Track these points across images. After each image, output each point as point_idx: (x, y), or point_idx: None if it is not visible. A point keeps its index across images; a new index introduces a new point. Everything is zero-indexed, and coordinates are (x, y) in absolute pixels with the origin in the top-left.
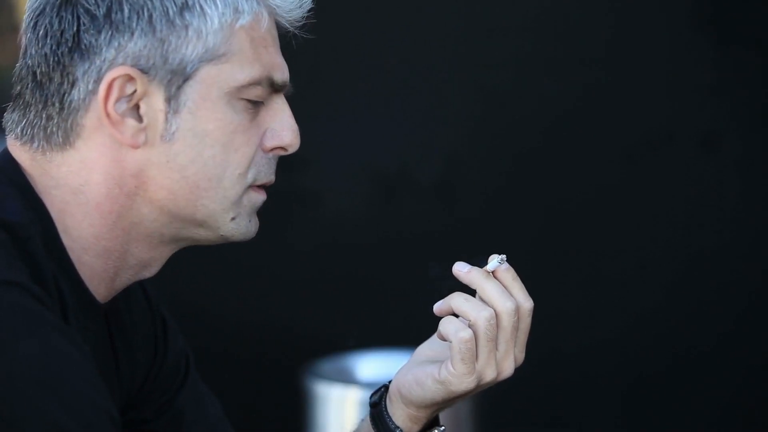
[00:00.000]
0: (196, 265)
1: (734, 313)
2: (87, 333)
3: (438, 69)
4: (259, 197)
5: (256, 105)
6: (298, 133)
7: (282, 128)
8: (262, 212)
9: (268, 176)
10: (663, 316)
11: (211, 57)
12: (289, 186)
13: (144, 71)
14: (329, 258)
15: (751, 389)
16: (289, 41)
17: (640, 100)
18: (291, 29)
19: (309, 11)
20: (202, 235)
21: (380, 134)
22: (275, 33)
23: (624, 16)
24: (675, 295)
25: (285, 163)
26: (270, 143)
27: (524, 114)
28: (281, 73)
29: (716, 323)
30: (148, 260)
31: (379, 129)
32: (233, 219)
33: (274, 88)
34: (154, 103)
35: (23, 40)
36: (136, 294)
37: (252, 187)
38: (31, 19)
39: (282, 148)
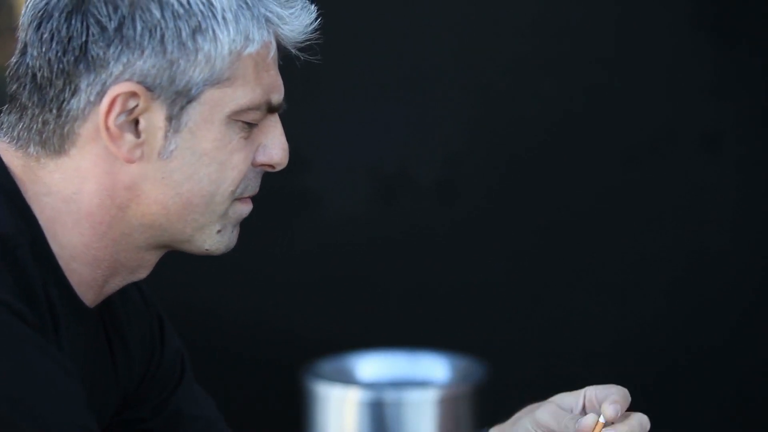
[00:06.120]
0: (196, 265)
1: (735, 314)
2: (78, 338)
3: (438, 69)
4: (245, 208)
5: (251, 125)
6: (288, 152)
7: (273, 146)
8: (263, 212)
9: (254, 189)
10: (664, 316)
11: (216, 81)
12: (289, 186)
13: (149, 89)
14: (329, 258)
15: (753, 390)
16: (292, 62)
17: (641, 100)
18: (294, 52)
19: (315, 32)
20: (186, 248)
21: (380, 134)
22: (277, 55)
23: (625, 16)
24: (676, 296)
25: (287, 165)
26: (260, 159)
27: (524, 114)
28: (279, 94)
29: (717, 324)
30: (136, 266)
31: (379, 129)
32: (219, 231)
33: (271, 109)
34: (155, 120)
35: (21, 36)
36: (132, 294)
37: (238, 198)
38: (35, 18)
39: (270, 165)
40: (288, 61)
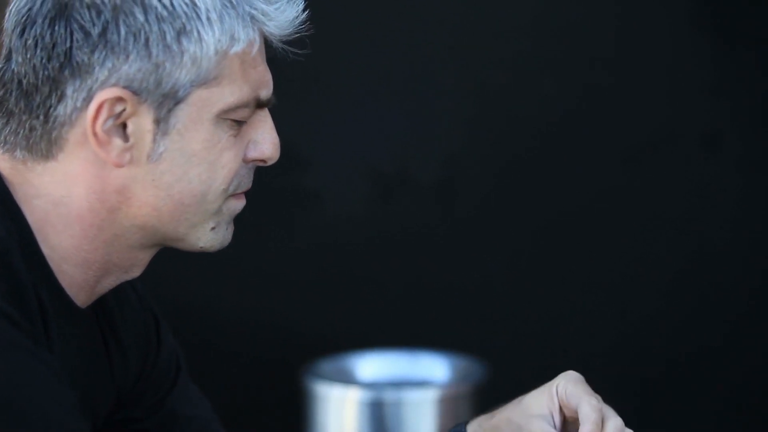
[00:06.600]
0: (195, 264)
1: (735, 314)
2: (71, 339)
3: (438, 69)
4: (239, 204)
5: (240, 122)
6: (279, 146)
7: (264, 141)
8: (262, 211)
9: (248, 185)
10: (663, 316)
11: (203, 81)
12: (288, 186)
13: (135, 93)
14: (328, 257)
15: (753, 390)
16: (291, 62)
17: (641, 100)
18: (281, 47)
19: (302, 26)
20: (180, 246)
21: (380, 134)
22: (264, 50)
23: (624, 16)
24: (675, 295)
25: (285, 163)
26: (251, 155)
27: (524, 114)
28: (267, 90)
29: (717, 323)
30: (130, 266)
31: (378, 129)
32: (213, 229)
33: (260, 105)
34: (143, 123)
35: (6, 41)
36: (128, 294)
37: (231, 195)
38: (18, 24)
39: (262, 160)
40: (287, 60)
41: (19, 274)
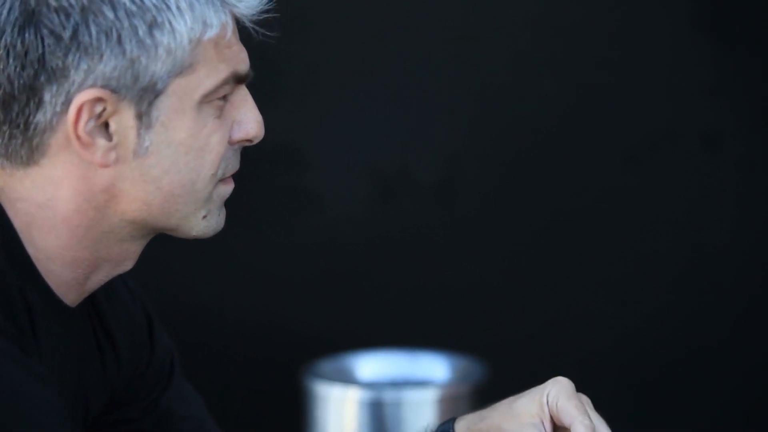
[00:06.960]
0: (195, 264)
1: (735, 313)
2: (60, 340)
3: (438, 69)
4: (228, 188)
5: (223, 99)
6: (263, 124)
7: (247, 120)
8: (262, 211)
9: (235, 167)
10: (664, 316)
11: (179, 70)
12: (288, 186)
13: (114, 91)
14: (329, 257)
15: (754, 389)
16: (291, 62)
17: (641, 100)
18: (252, 27)
19: (268, 3)
20: (173, 235)
21: (380, 134)
22: (237, 30)
23: (624, 15)
24: (675, 295)
25: (285, 163)
26: (237, 136)
27: (524, 114)
28: (244, 64)
29: (717, 323)
30: (121, 260)
31: (379, 129)
32: (205, 217)
33: (238, 80)
34: (125, 120)
35: None
36: (120, 292)
37: (220, 180)
38: None
39: (248, 140)
40: (290, 59)
41: (3, 276)
